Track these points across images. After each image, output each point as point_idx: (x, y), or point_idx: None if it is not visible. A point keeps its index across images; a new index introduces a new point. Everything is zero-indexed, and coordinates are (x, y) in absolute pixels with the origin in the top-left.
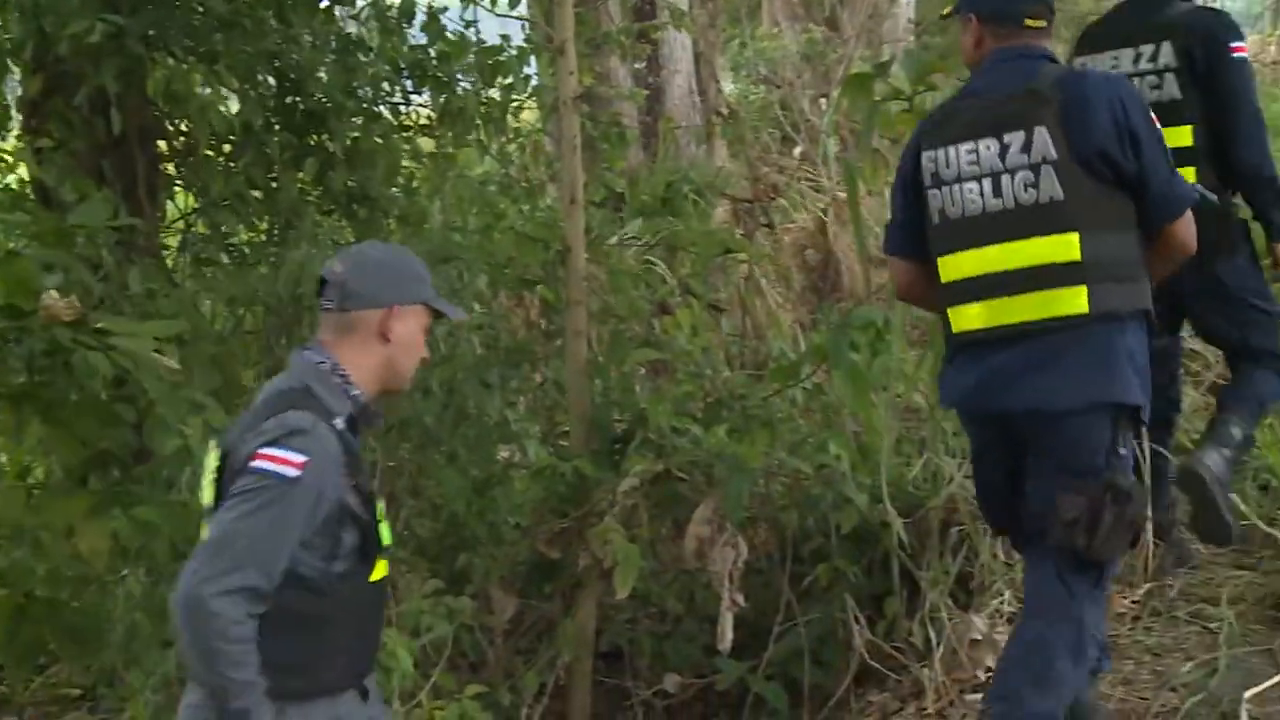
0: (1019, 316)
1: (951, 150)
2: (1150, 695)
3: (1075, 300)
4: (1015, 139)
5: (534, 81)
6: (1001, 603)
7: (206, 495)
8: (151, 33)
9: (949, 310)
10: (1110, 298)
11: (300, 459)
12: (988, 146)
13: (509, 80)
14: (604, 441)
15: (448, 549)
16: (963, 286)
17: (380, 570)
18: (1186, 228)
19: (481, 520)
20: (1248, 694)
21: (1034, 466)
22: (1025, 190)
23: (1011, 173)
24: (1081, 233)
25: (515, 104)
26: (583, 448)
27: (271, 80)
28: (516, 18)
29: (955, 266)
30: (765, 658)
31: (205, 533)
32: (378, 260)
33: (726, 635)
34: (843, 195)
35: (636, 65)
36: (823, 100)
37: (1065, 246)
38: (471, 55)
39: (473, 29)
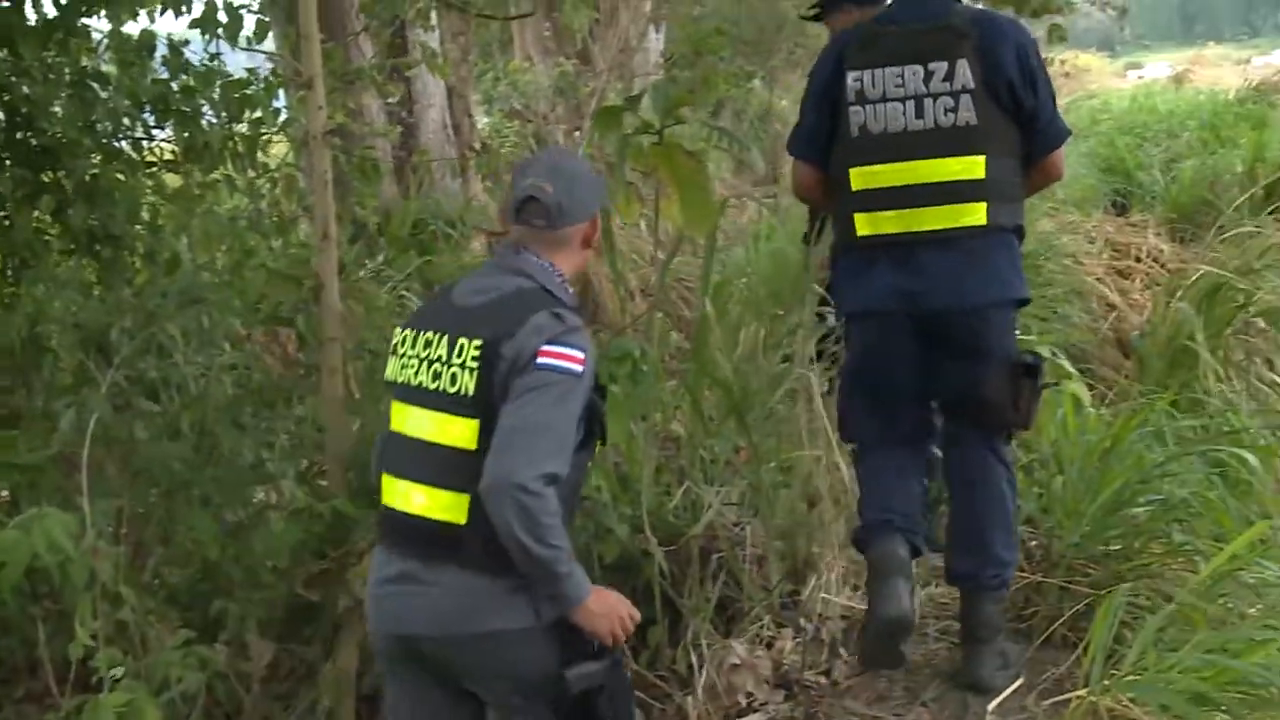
0: (930, 225)
1: (878, 73)
2: (902, 711)
3: (976, 213)
4: (939, 68)
5: (284, 116)
6: (761, 627)
7: (439, 381)
8: None
9: (857, 215)
10: (1001, 214)
11: (581, 355)
12: (914, 73)
13: (257, 114)
14: (364, 480)
15: (200, 596)
16: (878, 194)
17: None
18: (1061, 157)
19: (237, 565)
20: (990, 706)
21: (949, 356)
22: (945, 114)
23: (934, 97)
24: (987, 155)
25: (264, 138)
26: (342, 487)
27: (0, 114)
28: (263, 52)
29: (871, 176)
30: None
31: (428, 420)
32: (575, 173)
33: None
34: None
35: (389, 101)
36: (577, 133)
37: (974, 166)
38: (217, 89)
39: (217, 62)
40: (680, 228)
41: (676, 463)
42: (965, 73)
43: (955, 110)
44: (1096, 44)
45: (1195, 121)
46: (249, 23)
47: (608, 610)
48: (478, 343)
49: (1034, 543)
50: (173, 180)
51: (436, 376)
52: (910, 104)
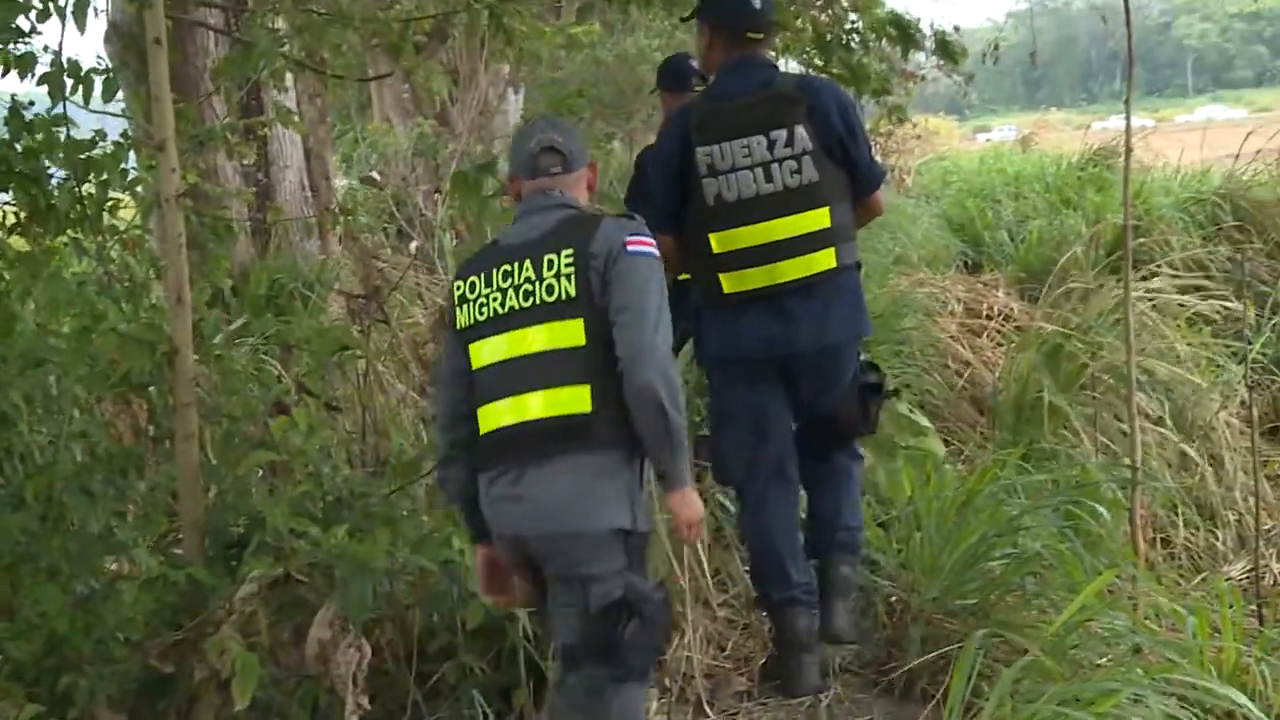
0: (791, 275)
1: (726, 146)
2: None
3: (828, 258)
4: (780, 135)
5: (133, 177)
6: None
7: (534, 297)
8: None
9: (721, 274)
10: (846, 254)
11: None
12: (759, 142)
13: (105, 177)
14: (219, 547)
15: (48, 671)
16: (739, 254)
17: None
18: (882, 195)
19: (86, 637)
20: None
21: (813, 387)
22: (791, 176)
23: (779, 162)
24: (830, 206)
25: (112, 202)
26: (197, 554)
27: None
28: (113, 114)
29: (731, 239)
30: None
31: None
32: (570, 129)
33: None
34: None
35: (246, 163)
36: (437, 194)
37: (821, 217)
38: (61, 151)
39: (64, 123)
40: None
41: None
42: (803, 136)
43: (799, 171)
44: (945, 108)
45: (1041, 184)
46: (99, 82)
47: (698, 504)
48: (568, 251)
49: (894, 598)
50: (17, 243)
51: (529, 295)
52: (759, 170)
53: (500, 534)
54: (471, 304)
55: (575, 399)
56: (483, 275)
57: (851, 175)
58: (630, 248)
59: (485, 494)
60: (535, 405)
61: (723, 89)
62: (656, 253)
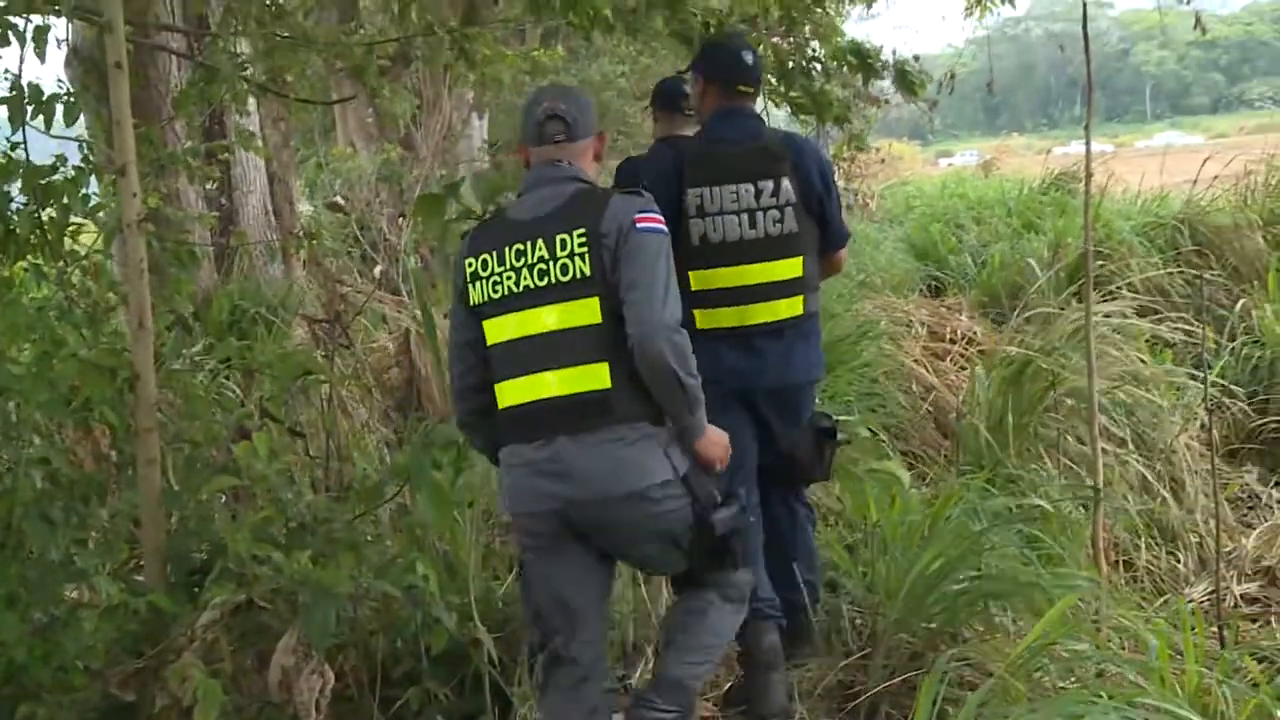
0: (762, 318)
1: (716, 190)
2: None
3: (796, 305)
4: (766, 185)
5: (94, 202)
6: None
7: (548, 276)
8: None
9: (696, 310)
10: (812, 303)
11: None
12: (746, 190)
13: (65, 201)
14: (181, 573)
15: (6, 700)
16: (715, 294)
17: None
18: (845, 254)
19: (45, 666)
20: None
21: (774, 425)
22: (774, 225)
23: (764, 210)
24: (804, 257)
25: (73, 227)
26: (160, 580)
27: None
28: (73, 139)
29: (710, 278)
30: None
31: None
32: (578, 96)
33: None
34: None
35: (209, 186)
36: (402, 219)
37: (795, 266)
38: (20, 175)
39: (22, 147)
40: None
41: (505, 549)
42: (788, 189)
43: (781, 221)
44: (908, 133)
45: (1003, 208)
46: (60, 106)
47: (719, 439)
48: (580, 231)
49: (859, 621)
50: None
51: (543, 275)
52: (745, 216)
53: (534, 510)
54: (484, 281)
55: (593, 376)
56: (495, 253)
57: (822, 231)
58: (639, 225)
59: (511, 467)
60: (553, 383)
61: (715, 134)
62: (664, 228)
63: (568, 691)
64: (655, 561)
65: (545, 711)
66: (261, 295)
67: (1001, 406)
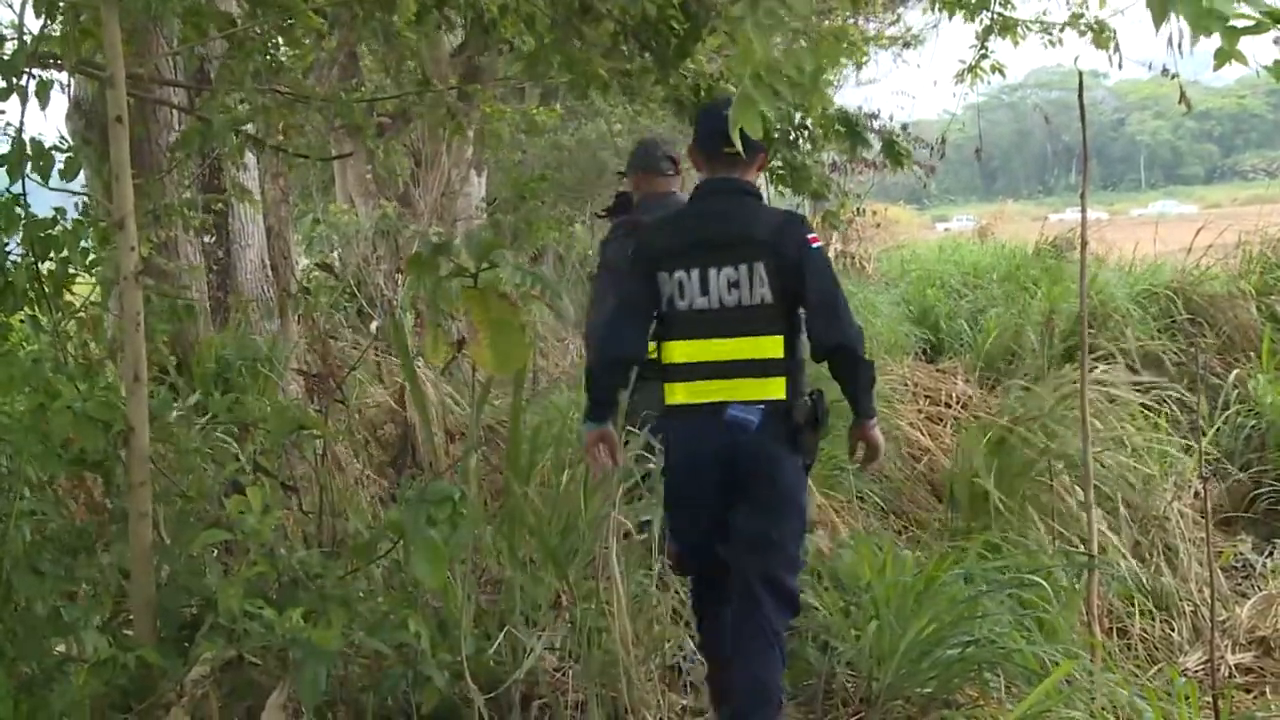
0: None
1: (692, 270)
2: None
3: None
4: (744, 269)
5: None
6: None
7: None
8: None
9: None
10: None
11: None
12: (722, 271)
13: (64, 254)
14: (172, 628)
15: None
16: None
17: None
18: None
19: None
20: None
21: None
22: (749, 296)
23: (735, 286)
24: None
25: (71, 279)
26: (150, 635)
27: None
28: (73, 192)
29: (676, 352)
30: None
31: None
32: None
33: None
34: (420, 368)
35: (207, 239)
36: (398, 275)
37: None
38: (20, 229)
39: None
40: (489, 369)
41: (497, 607)
42: (761, 276)
43: (754, 298)
44: (905, 196)
45: (998, 273)
46: (60, 158)
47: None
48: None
49: (851, 685)
50: None
51: (734, 289)
52: (713, 295)
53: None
54: (671, 282)
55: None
56: (685, 263)
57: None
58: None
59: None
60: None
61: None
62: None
63: None
64: None
65: None
66: (249, 347)
67: (995, 470)
